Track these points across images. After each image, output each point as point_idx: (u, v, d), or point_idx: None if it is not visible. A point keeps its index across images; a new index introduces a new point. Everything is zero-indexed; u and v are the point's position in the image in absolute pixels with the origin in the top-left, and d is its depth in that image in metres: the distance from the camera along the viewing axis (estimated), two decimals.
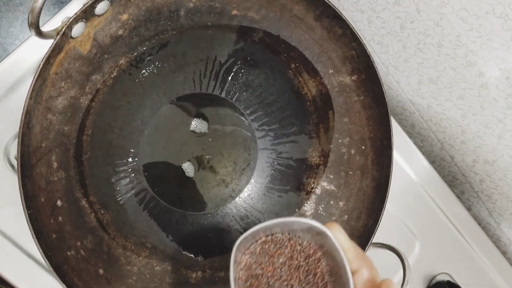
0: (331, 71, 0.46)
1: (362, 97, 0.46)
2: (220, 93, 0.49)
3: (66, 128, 0.39)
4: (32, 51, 0.46)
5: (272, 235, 0.30)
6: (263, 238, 0.30)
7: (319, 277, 0.30)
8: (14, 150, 0.46)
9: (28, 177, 0.34)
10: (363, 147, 0.47)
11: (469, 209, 0.80)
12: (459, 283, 0.68)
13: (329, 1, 0.41)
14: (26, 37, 0.51)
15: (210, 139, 0.48)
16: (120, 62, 0.42)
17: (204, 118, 0.48)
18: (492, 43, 0.51)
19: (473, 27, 0.51)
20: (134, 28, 0.41)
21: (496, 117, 0.60)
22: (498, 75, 0.54)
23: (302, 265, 0.30)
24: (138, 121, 0.46)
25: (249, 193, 0.50)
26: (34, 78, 0.33)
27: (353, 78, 0.46)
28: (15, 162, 0.45)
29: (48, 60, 0.34)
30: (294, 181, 0.50)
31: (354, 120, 0.47)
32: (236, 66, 0.48)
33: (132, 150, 0.45)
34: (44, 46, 0.46)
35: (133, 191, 0.45)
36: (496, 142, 0.63)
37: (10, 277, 0.45)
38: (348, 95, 0.47)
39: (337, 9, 0.42)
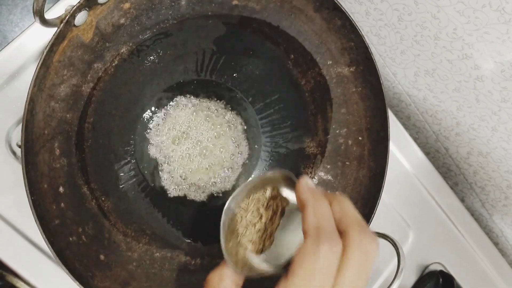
0: (329, 62, 0.47)
1: (360, 88, 0.47)
2: (219, 83, 0.49)
3: (68, 115, 0.40)
4: (33, 39, 0.46)
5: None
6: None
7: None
8: (15, 137, 0.46)
9: (32, 164, 0.35)
10: (360, 138, 0.48)
11: (462, 200, 0.81)
12: (452, 272, 0.69)
13: None
14: (26, 25, 0.51)
15: (208, 128, 0.49)
16: (122, 51, 0.43)
17: (202, 107, 0.49)
18: (488, 36, 0.52)
19: (469, 20, 0.52)
20: (136, 17, 0.41)
21: (490, 110, 0.61)
22: (493, 68, 0.55)
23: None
24: (138, 109, 0.46)
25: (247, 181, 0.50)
26: (37, 65, 0.33)
27: (351, 69, 0.47)
28: (16, 149, 0.46)
29: (52, 48, 0.34)
30: (291, 171, 0.51)
31: (352, 111, 0.48)
32: (236, 56, 0.48)
33: (133, 138, 0.46)
34: (45, 34, 0.47)
35: (134, 179, 0.46)
36: (490, 135, 0.64)
37: (11, 263, 0.45)
38: (346, 86, 0.48)
39: (337, 1, 0.42)
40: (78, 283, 0.36)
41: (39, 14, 0.32)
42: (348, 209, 0.31)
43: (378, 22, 0.64)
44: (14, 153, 0.46)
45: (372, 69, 0.45)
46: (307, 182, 0.33)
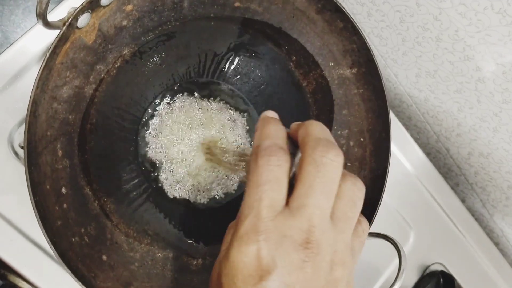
0: (331, 64, 0.47)
1: (362, 90, 0.47)
2: (221, 84, 0.49)
3: (70, 117, 0.40)
4: (35, 40, 0.47)
5: None
6: None
7: None
8: (17, 138, 0.46)
9: (35, 165, 0.35)
10: (361, 139, 0.48)
11: (463, 200, 0.81)
12: (453, 273, 0.69)
13: None
14: (28, 25, 0.51)
15: (210, 129, 0.49)
16: (124, 53, 0.43)
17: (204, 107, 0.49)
18: (489, 38, 0.52)
19: (471, 22, 0.52)
20: (138, 19, 0.41)
21: (492, 111, 0.61)
22: (495, 69, 0.55)
23: None
24: (140, 110, 0.46)
25: None
26: (40, 67, 0.33)
27: (353, 71, 0.47)
28: (19, 150, 0.46)
29: (55, 50, 0.34)
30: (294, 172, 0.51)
31: (353, 112, 0.48)
32: (238, 58, 0.48)
33: (134, 139, 0.46)
34: (47, 36, 0.47)
35: (136, 180, 0.46)
36: (491, 136, 0.64)
37: (14, 263, 0.45)
38: (348, 88, 0.48)
39: (339, 3, 0.42)
40: (80, 283, 0.36)
41: (42, 17, 0.32)
42: (312, 130, 0.29)
43: (380, 24, 0.64)
44: (16, 154, 0.46)
45: (374, 71, 0.45)
46: (265, 113, 0.33)
